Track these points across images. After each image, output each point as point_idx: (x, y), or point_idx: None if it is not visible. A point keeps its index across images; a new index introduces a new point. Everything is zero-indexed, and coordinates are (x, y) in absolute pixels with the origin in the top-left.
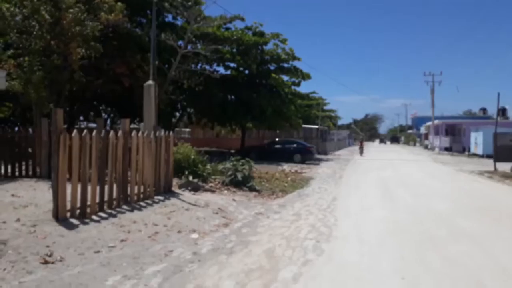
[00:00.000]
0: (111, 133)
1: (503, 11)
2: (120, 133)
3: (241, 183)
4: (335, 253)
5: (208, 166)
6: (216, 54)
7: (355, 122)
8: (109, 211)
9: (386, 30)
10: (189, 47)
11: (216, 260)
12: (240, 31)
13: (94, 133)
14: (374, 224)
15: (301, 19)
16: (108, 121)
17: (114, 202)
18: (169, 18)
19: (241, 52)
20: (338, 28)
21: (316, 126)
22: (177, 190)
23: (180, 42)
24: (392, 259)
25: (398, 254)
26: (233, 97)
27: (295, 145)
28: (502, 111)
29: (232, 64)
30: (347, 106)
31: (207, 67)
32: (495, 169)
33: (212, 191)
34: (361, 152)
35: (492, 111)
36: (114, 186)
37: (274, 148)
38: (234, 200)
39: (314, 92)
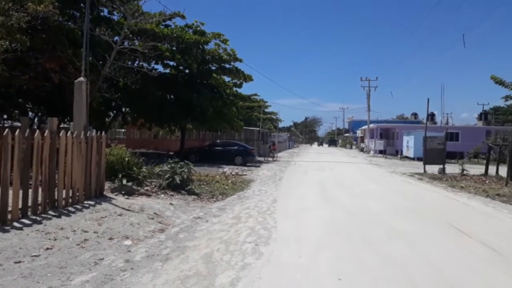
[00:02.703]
0: (37, 132)
1: (433, 21)
2: (46, 132)
3: (179, 187)
4: (274, 255)
5: (143, 169)
6: (154, 52)
7: (295, 125)
8: (34, 217)
9: (326, 35)
10: (125, 43)
11: (150, 267)
12: (180, 29)
13: (17, 132)
14: (313, 225)
15: (243, 21)
16: (36, 120)
17: (39, 208)
18: (105, 12)
19: (181, 51)
20: (280, 32)
21: (258, 128)
22: (110, 195)
23: (116, 38)
24: (329, 260)
25: (336, 255)
26: (172, 96)
27: (236, 147)
28: (431, 116)
29: (171, 63)
30: (287, 109)
31: (145, 64)
32: (425, 171)
33: (148, 195)
34: (273, 156)
35: (423, 116)
36: (40, 190)
37: (215, 150)
38: (171, 204)
39: (255, 94)
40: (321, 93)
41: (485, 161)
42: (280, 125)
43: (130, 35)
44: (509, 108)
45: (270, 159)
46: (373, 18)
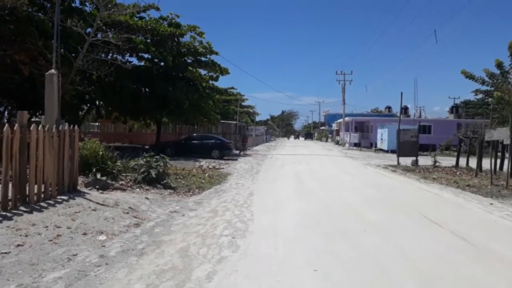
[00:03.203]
0: (6, 126)
1: (407, 16)
2: (16, 126)
3: (155, 181)
4: (251, 248)
5: (118, 163)
6: (128, 44)
7: (272, 118)
8: (4, 213)
9: (302, 28)
10: (98, 35)
11: (125, 262)
12: (155, 21)
13: None
14: (289, 217)
15: (219, 14)
16: (6, 114)
17: (10, 203)
18: (77, 3)
19: (156, 43)
20: (257, 26)
21: (235, 122)
22: (84, 189)
23: (88, 30)
24: (305, 251)
25: (312, 247)
26: (147, 89)
27: (213, 141)
28: (405, 110)
29: (146, 55)
30: (264, 103)
31: (119, 57)
32: (398, 163)
33: (123, 189)
34: (243, 149)
35: (396, 109)
36: (10, 185)
37: (192, 143)
38: (147, 198)
39: (232, 88)
40: (297, 87)
41: (456, 153)
42: (257, 118)
43: (103, 27)
44: (478, 101)
45: (242, 152)
46: (348, 12)
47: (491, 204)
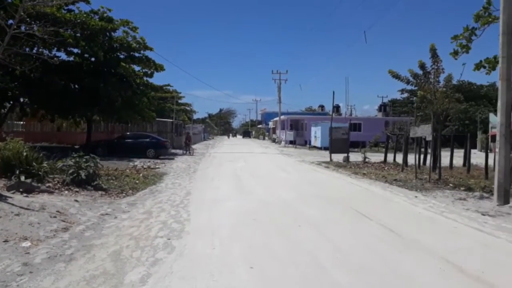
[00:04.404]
0: None
1: (339, 16)
2: None
3: (85, 182)
4: (187, 248)
5: (45, 164)
6: (55, 38)
7: (210, 116)
8: None
9: (238, 27)
10: (22, 27)
11: (52, 269)
12: (85, 15)
13: None
14: (227, 215)
15: (155, 11)
16: None
17: None
18: None
19: (86, 38)
20: (193, 23)
21: (171, 120)
22: (5, 193)
23: (10, 21)
24: (242, 249)
25: (248, 244)
26: (76, 86)
27: (148, 140)
28: (336, 108)
29: (75, 50)
30: (202, 101)
31: (45, 51)
32: (331, 159)
33: (50, 192)
34: (188, 149)
35: (329, 107)
36: None
37: (125, 142)
38: (76, 201)
39: (168, 85)
40: (235, 85)
41: (384, 149)
42: (195, 116)
43: (28, 19)
44: (404, 100)
45: (186, 152)
46: (283, 12)
47: (416, 197)
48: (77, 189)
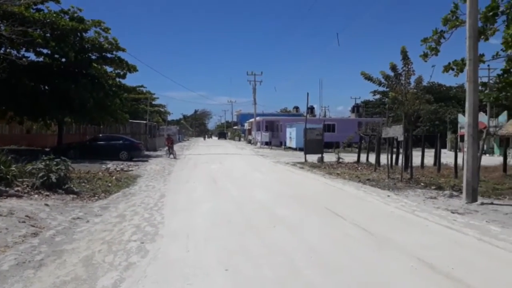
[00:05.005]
0: None
1: (313, 18)
2: None
3: (56, 186)
4: (161, 252)
5: (13, 167)
6: (24, 38)
7: (185, 117)
8: None
9: (214, 29)
10: None
11: (20, 276)
12: (55, 15)
13: None
14: (201, 217)
15: (128, 11)
16: None
17: None
18: None
19: (56, 38)
20: (167, 24)
21: (145, 121)
22: None
23: None
24: (217, 251)
25: (223, 245)
26: (47, 87)
27: (121, 142)
28: (311, 109)
29: (45, 50)
30: (177, 102)
31: (13, 52)
32: (306, 160)
33: (18, 196)
34: (171, 153)
35: (303, 109)
36: None
37: (97, 145)
38: (46, 205)
39: (142, 86)
40: (210, 87)
41: (357, 150)
42: (169, 118)
43: None
44: (377, 101)
45: (160, 153)
46: (258, 13)
47: (388, 196)
48: (48, 193)
